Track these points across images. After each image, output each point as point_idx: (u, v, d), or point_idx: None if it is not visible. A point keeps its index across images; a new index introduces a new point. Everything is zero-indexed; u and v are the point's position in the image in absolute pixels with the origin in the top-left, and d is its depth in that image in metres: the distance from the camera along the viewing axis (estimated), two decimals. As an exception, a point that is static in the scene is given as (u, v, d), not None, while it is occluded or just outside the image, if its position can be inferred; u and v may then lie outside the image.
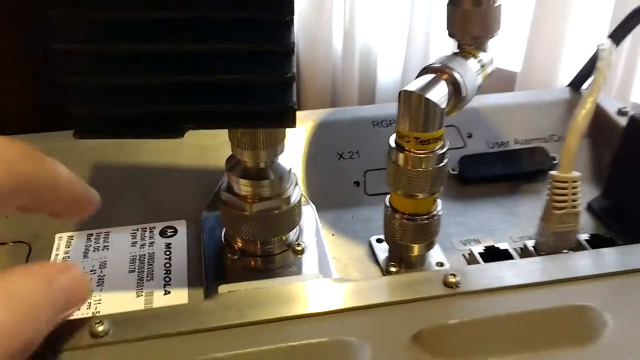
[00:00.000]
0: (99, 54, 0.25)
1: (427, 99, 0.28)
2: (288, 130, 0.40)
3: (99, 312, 0.30)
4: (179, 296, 0.31)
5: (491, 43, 0.32)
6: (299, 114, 0.42)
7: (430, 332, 0.24)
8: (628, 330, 0.25)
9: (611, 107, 0.42)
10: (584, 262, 0.28)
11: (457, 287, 0.26)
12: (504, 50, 1.23)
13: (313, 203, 0.38)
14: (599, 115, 0.42)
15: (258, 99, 0.26)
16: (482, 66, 0.31)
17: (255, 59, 0.26)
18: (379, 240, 0.35)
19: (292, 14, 0.24)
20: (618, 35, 0.38)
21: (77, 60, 0.25)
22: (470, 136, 0.41)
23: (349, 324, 0.25)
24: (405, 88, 0.28)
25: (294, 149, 0.40)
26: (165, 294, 0.31)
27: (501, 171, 0.39)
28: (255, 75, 0.25)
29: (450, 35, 0.32)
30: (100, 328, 0.24)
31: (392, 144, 0.30)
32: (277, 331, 0.24)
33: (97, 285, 0.31)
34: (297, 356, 0.23)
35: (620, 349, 0.24)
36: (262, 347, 0.23)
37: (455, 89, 0.29)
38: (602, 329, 0.25)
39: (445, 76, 0.29)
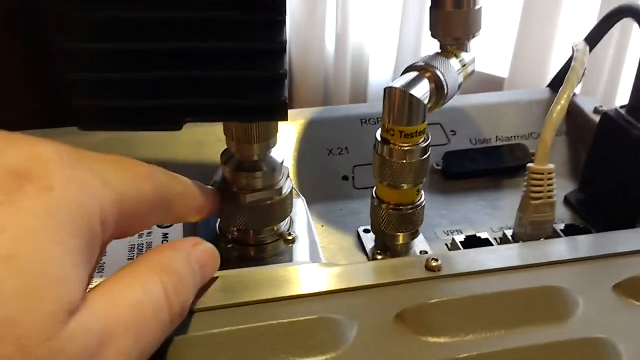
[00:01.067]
0: (102, 51, 0.26)
1: (410, 94, 0.30)
2: (281, 127, 0.42)
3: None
4: (176, 282, 0.32)
5: (473, 43, 0.34)
6: (290, 111, 0.44)
7: (413, 311, 0.26)
8: (597, 311, 0.27)
9: (588, 106, 0.44)
10: (558, 248, 0.30)
11: (439, 270, 0.28)
12: (491, 55, 1.26)
13: (303, 196, 0.39)
14: (576, 114, 0.44)
15: (252, 94, 0.28)
16: (463, 65, 0.33)
17: (249, 57, 0.27)
18: (366, 231, 0.37)
19: (284, 14, 0.26)
20: (593, 37, 0.40)
21: (81, 57, 0.26)
22: (454, 133, 0.43)
23: (336, 304, 0.27)
24: (390, 85, 0.30)
25: (286, 145, 0.41)
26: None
27: (483, 166, 0.41)
28: (250, 71, 0.27)
29: (433, 36, 0.34)
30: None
31: (378, 137, 0.32)
32: (269, 310, 0.26)
33: (97, 272, 0.32)
34: (288, 332, 0.25)
35: (590, 328, 0.26)
36: (255, 324, 0.25)
37: (437, 86, 0.31)
38: (575, 308, 0.27)
39: (428, 74, 0.31)
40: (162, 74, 0.27)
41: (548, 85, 0.47)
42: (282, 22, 0.27)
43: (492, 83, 1.22)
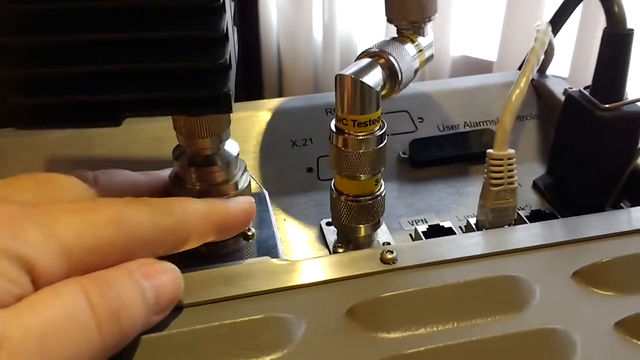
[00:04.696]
0: (33, 46, 0.25)
1: (362, 82, 0.29)
2: (244, 119, 0.41)
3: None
4: (130, 283, 0.31)
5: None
6: (253, 102, 0.43)
7: (364, 306, 0.25)
8: (554, 300, 0.26)
9: (558, 88, 0.43)
10: (519, 236, 0.29)
11: (394, 262, 0.27)
12: (479, 39, 1.24)
13: (267, 190, 0.38)
14: (547, 97, 0.43)
15: (193, 85, 0.26)
16: (420, 50, 0.32)
17: (188, 47, 0.26)
18: (328, 224, 0.36)
19: (220, 0, 0.25)
20: (557, 19, 0.39)
21: (12, 52, 0.25)
22: (421, 120, 0.42)
23: (286, 302, 0.26)
24: (340, 72, 0.29)
25: (248, 137, 0.40)
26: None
27: (450, 153, 0.40)
28: (189, 62, 0.26)
29: (389, 20, 0.33)
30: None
31: (333, 128, 0.31)
32: (216, 311, 0.25)
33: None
34: (232, 334, 0.24)
35: (546, 317, 0.25)
36: (197, 327, 0.24)
37: (391, 73, 0.30)
38: (531, 298, 0.26)
39: (381, 60, 0.30)
40: (97, 68, 0.26)
41: (519, 68, 0.46)
42: (221, 9, 0.26)
43: (481, 67, 1.21)
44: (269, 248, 0.34)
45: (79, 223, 0.22)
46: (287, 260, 0.29)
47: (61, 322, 0.20)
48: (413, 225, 0.36)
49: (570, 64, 1.03)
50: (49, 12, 0.25)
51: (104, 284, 0.21)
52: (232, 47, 0.28)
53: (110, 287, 0.22)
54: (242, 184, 0.32)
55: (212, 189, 0.32)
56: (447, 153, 0.40)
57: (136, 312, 0.22)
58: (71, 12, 0.25)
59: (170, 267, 0.25)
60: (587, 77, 0.99)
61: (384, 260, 0.27)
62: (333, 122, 0.31)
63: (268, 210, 0.37)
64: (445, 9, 1.08)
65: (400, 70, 0.30)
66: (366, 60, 0.30)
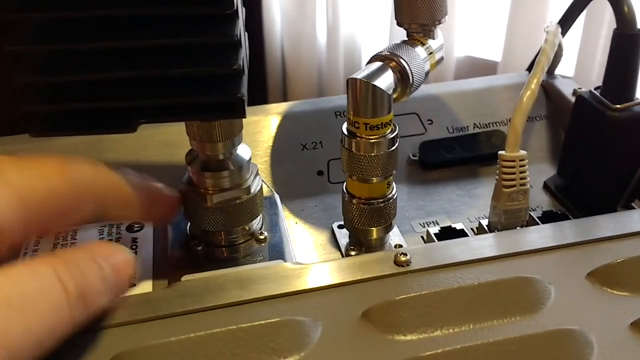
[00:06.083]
0: (49, 53, 0.26)
1: (374, 85, 0.29)
2: (254, 123, 0.41)
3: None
4: (144, 288, 0.31)
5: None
6: (263, 107, 0.43)
7: (379, 309, 0.25)
8: (569, 301, 0.26)
9: (567, 89, 0.43)
10: (532, 237, 0.29)
11: (408, 265, 0.27)
12: (484, 40, 1.24)
13: (277, 193, 0.38)
14: (556, 97, 0.43)
15: (207, 91, 0.27)
16: (430, 53, 0.32)
17: (202, 53, 0.26)
18: (340, 226, 0.36)
19: (234, 7, 0.25)
20: (566, 20, 0.39)
21: (28, 60, 0.26)
22: (430, 122, 0.42)
23: (301, 305, 0.26)
24: (352, 76, 0.29)
25: (259, 141, 0.41)
26: (130, 286, 0.31)
27: (460, 155, 0.40)
28: (202, 68, 0.26)
29: (399, 24, 0.33)
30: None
31: (345, 131, 0.31)
32: (231, 315, 0.25)
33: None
34: (249, 337, 0.24)
35: (561, 318, 0.25)
36: (214, 330, 0.24)
37: (402, 76, 0.30)
38: (546, 299, 0.26)
39: (392, 64, 0.30)
40: (111, 75, 0.26)
41: (528, 69, 0.46)
42: (233, 16, 0.26)
43: (486, 67, 1.21)
44: (281, 251, 0.34)
45: (27, 170, 0.23)
46: (300, 263, 0.29)
47: (37, 295, 0.20)
48: (425, 227, 0.36)
49: (576, 63, 1.02)
50: (64, 20, 0.25)
51: (70, 263, 0.22)
52: (245, 52, 0.28)
53: (75, 266, 0.22)
54: (254, 188, 0.33)
55: (224, 193, 0.32)
56: (457, 155, 0.40)
57: (98, 290, 0.23)
58: (86, 19, 0.25)
59: (123, 248, 0.25)
60: (592, 77, 0.99)
61: (397, 263, 0.28)
62: (345, 125, 0.31)
63: (279, 214, 0.37)
64: (449, 9, 1.08)
65: (412, 73, 0.30)
66: (377, 64, 0.30)
